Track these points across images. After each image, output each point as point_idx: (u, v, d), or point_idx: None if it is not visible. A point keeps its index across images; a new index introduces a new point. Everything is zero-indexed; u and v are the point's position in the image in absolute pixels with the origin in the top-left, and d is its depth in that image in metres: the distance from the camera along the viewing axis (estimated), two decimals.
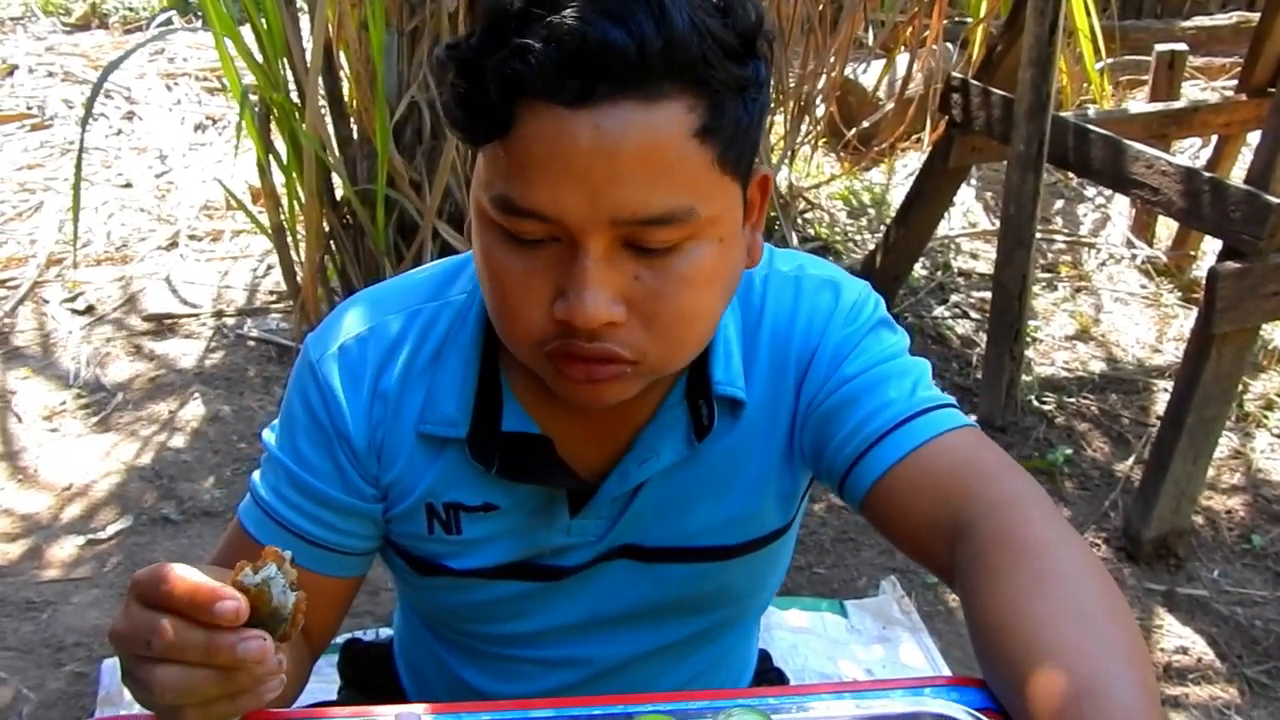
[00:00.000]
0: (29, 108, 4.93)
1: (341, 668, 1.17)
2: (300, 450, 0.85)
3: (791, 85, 3.39)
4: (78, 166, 2.21)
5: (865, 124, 3.97)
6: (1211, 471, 2.38)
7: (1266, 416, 2.57)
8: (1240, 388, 2.66)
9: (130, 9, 7.16)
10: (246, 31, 2.52)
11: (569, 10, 0.63)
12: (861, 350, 0.85)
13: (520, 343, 0.74)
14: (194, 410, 2.61)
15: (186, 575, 0.63)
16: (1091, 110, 3.63)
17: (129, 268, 3.34)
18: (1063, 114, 2.57)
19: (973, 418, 0.87)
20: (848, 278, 0.89)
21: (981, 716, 0.75)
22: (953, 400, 0.86)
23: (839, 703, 0.78)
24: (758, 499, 0.89)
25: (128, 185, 4.03)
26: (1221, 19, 5.36)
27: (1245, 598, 2.04)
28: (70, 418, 2.60)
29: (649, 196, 0.66)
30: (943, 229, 3.50)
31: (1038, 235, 3.60)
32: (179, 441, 2.49)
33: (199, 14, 6.78)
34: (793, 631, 1.86)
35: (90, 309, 3.08)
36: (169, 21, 6.48)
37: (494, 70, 0.65)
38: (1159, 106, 2.99)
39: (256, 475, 0.89)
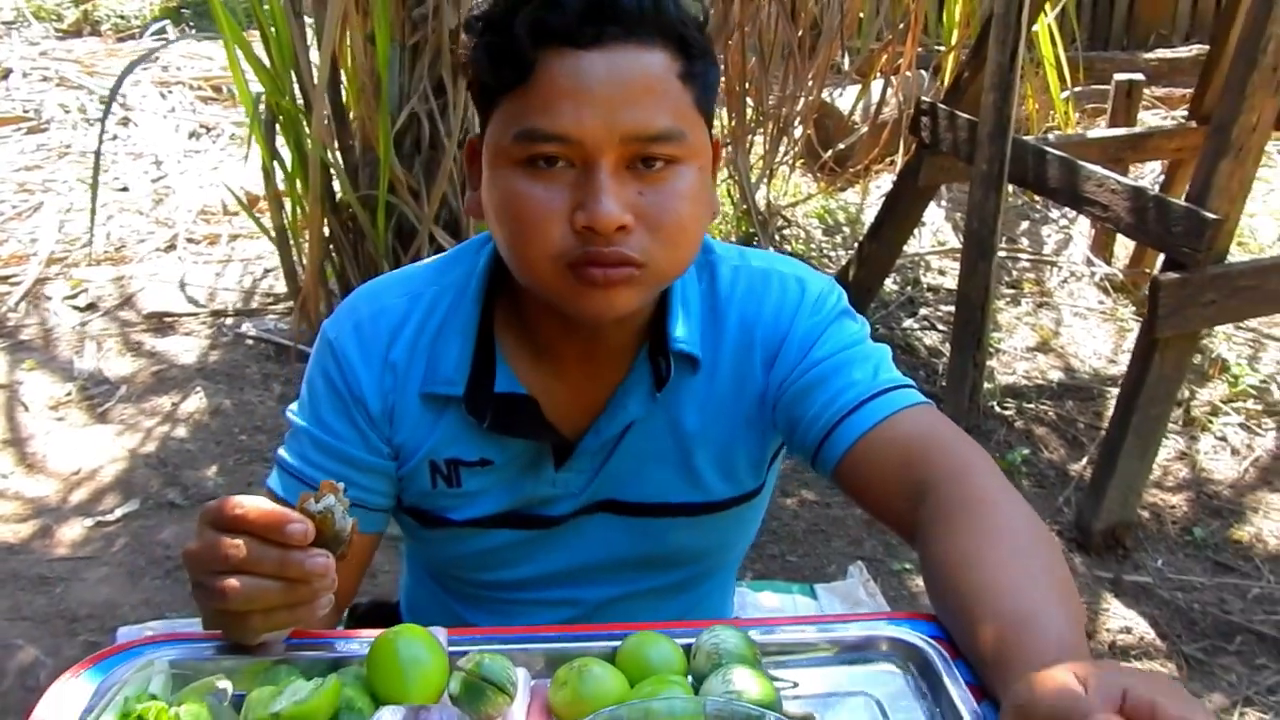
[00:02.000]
0: (25, 111, 5.02)
1: (351, 627, 1.28)
2: (323, 418, 0.97)
3: (771, 107, 3.55)
4: (95, 166, 2.32)
5: (841, 146, 4.14)
6: (1159, 471, 2.55)
7: (1211, 421, 2.74)
8: (1188, 394, 2.83)
9: (122, 17, 7.26)
10: (253, 43, 2.65)
11: None
12: (828, 337, 0.97)
13: (542, 259, 0.84)
14: (195, 403, 2.71)
15: (258, 503, 0.75)
16: (1053, 135, 3.81)
17: (128, 268, 3.44)
18: (1024, 137, 2.74)
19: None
20: (813, 273, 1.02)
21: (932, 642, 0.87)
22: (911, 382, 0.98)
23: (802, 630, 0.90)
24: (727, 463, 1.00)
25: (125, 189, 4.14)
26: (1182, 51, 5.61)
27: (1186, 584, 2.19)
28: (75, 408, 2.70)
29: (652, 116, 0.82)
30: (913, 247, 3.67)
31: (1004, 254, 3.79)
32: (181, 432, 2.60)
33: (191, 24, 6.89)
34: (765, 611, 1.98)
35: (91, 306, 3.18)
36: (163, 30, 6.59)
37: (525, 19, 0.81)
38: (1116, 132, 3.18)
39: (282, 450, 1.00)
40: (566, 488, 0.99)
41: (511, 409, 0.95)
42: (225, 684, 0.80)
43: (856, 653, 0.89)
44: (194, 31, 6.55)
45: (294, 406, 1.01)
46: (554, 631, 0.92)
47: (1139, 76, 3.49)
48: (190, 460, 2.49)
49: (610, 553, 1.03)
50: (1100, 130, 3.48)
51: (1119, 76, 3.46)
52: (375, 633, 0.84)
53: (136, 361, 2.90)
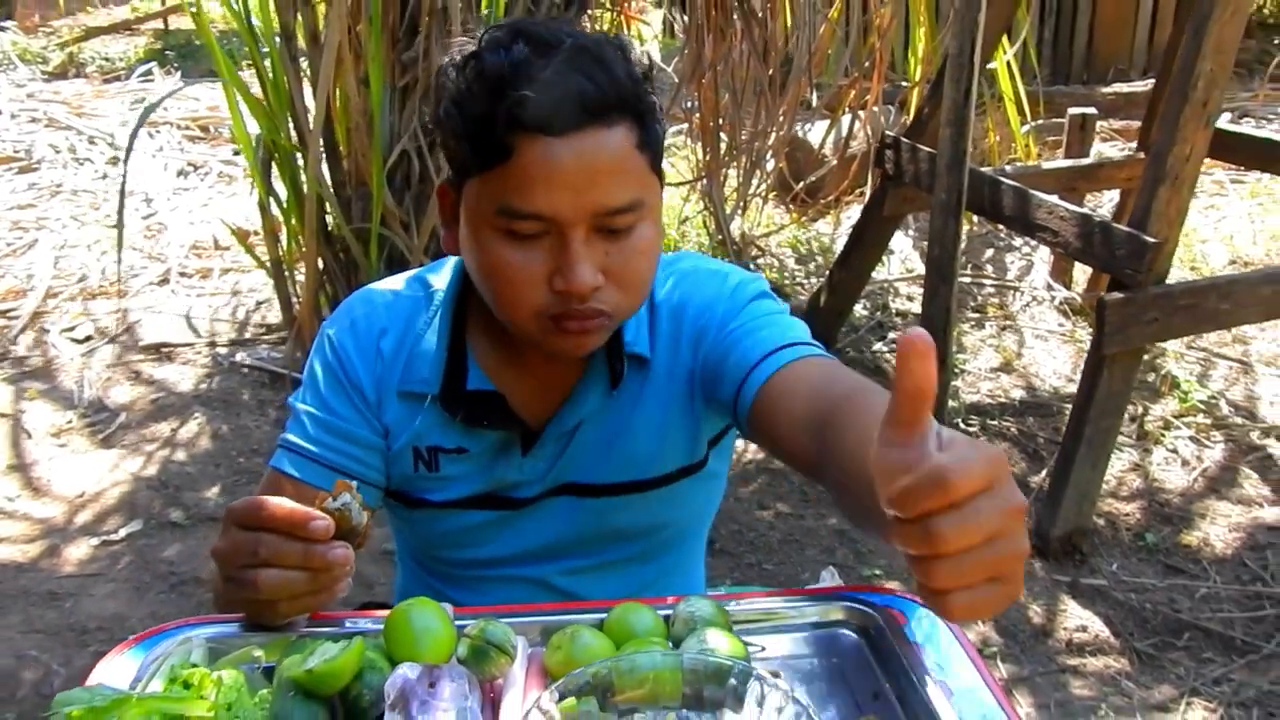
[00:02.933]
0: (15, 151, 5.13)
1: None
2: (327, 401, 1.09)
3: (744, 142, 3.71)
4: (120, 201, 2.44)
5: (812, 178, 4.31)
6: (1114, 481, 2.69)
7: (1163, 435, 2.89)
8: (1142, 410, 2.99)
9: (106, 59, 7.39)
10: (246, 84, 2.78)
11: (548, 71, 0.90)
12: (745, 313, 1.09)
13: (525, 315, 0.97)
14: (194, 429, 2.81)
15: (282, 503, 0.86)
16: (1010, 167, 3.98)
17: (124, 301, 3.55)
18: (982, 168, 2.91)
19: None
20: (736, 269, 1.15)
21: (884, 610, 0.99)
22: (821, 345, 1.08)
23: (769, 601, 1.02)
24: (664, 442, 1.12)
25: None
26: (1138, 85, 5.84)
27: (1139, 586, 2.33)
28: (77, 435, 2.79)
29: (615, 193, 0.93)
30: (882, 274, 3.82)
31: (969, 280, 3.95)
32: (181, 455, 2.70)
33: (176, 65, 7.02)
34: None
35: (90, 338, 3.28)
36: (149, 72, 6.72)
37: (502, 114, 0.91)
38: (1069, 162, 3.35)
39: (288, 434, 1.11)
40: (533, 472, 1.11)
41: (482, 404, 1.08)
42: (259, 654, 0.91)
43: (817, 621, 1.00)
44: (179, 73, 6.68)
45: (295, 399, 1.13)
46: (547, 608, 1.04)
47: (1092, 110, 3.68)
48: (190, 482, 2.59)
49: (571, 531, 1.15)
50: (1056, 161, 3.66)
51: (1073, 110, 3.64)
52: (384, 612, 0.94)
53: (135, 390, 3.00)
